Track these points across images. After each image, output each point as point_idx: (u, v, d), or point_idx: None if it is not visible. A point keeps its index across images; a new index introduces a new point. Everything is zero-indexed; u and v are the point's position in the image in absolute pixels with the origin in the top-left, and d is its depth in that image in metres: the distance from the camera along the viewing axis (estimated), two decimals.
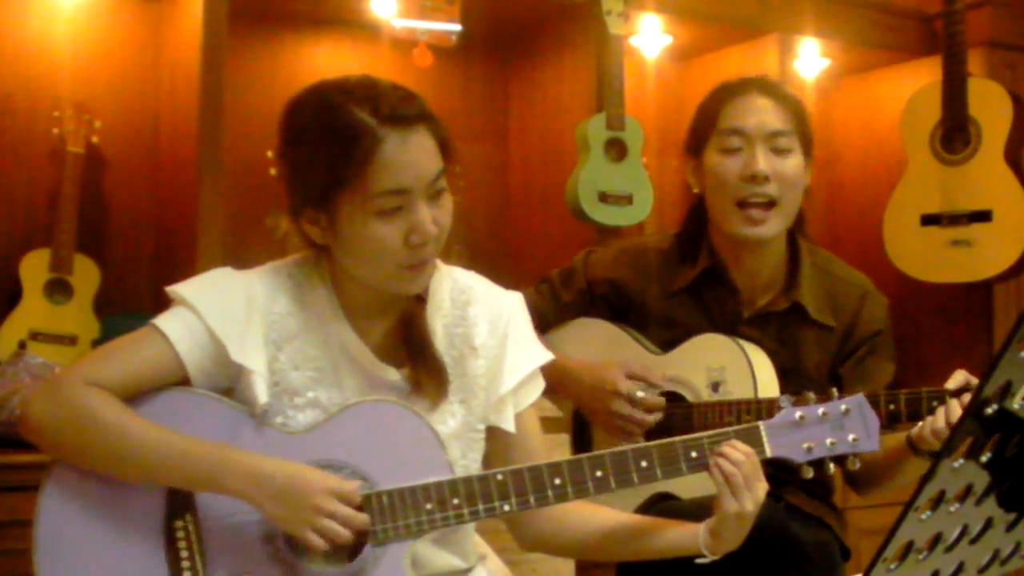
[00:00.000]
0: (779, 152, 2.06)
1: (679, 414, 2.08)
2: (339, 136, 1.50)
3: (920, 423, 1.88)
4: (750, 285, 2.13)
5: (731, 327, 2.11)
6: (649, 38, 3.56)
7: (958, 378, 1.87)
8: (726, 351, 2.05)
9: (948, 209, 3.45)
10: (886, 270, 3.49)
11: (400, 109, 1.52)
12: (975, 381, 1.85)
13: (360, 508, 1.50)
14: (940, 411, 1.83)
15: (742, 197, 2.06)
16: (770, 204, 2.06)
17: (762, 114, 2.07)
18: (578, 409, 2.23)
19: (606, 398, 2.08)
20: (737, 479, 1.56)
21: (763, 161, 2.05)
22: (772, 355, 2.07)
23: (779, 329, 2.11)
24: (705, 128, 2.12)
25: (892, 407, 1.89)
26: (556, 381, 2.12)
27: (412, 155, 1.52)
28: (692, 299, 2.14)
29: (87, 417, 1.48)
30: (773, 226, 2.07)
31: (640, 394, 2.07)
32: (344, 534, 1.47)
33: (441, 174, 1.55)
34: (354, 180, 1.50)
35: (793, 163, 2.07)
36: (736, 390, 2.03)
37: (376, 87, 1.55)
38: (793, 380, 2.04)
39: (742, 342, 2.06)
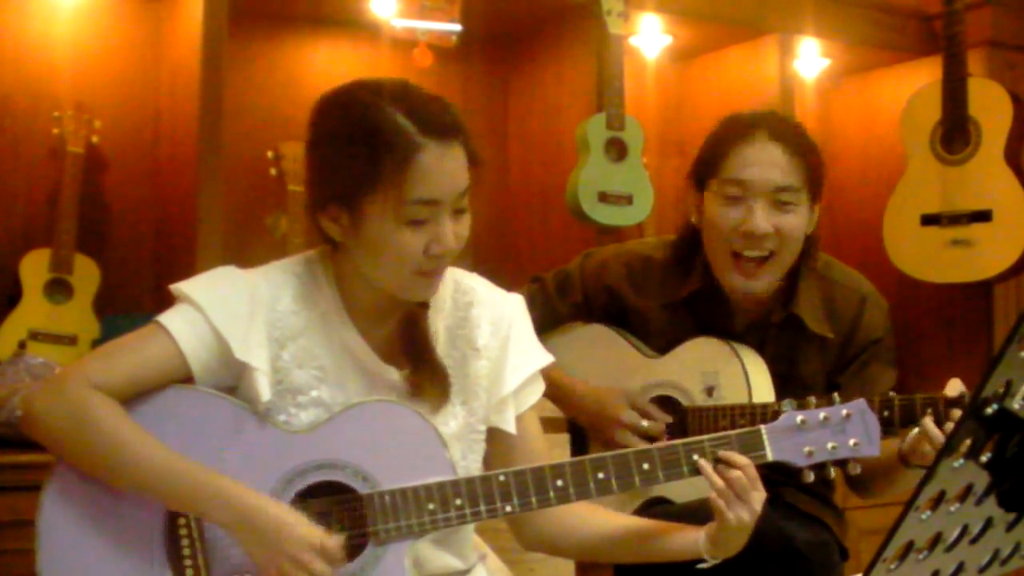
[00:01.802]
0: (782, 207, 1.98)
1: (673, 418, 2.08)
2: (378, 138, 1.50)
3: (909, 436, 1.87)
4: (744, 304, 2.10)
5: (726, 337, 2.09)
6: (649, 38, 3.56)
7: (957, 387, 1.85)
8: (720, 355, 2.05)
9: (948, 209, 3.45)
10: (886, 270, 3.49)
11: (440, 119, 1.52)
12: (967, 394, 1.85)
13: (359, 545, 1.49)
14: (927, 424, 1.80)
15: (737, 249, 2.00)
16: (765, 258, 2.00)
17: (768, 168, 1.97)
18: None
19: (609, 428, 2.08)
20: (734, 489, 1.57)
21: (762, 218, 1.96)
22: (768, 364, 2.06)
23: (776, 340, 2.09)
24: (709, 167, 2.04)
25: (887, 414, 1.87)
26: (555, 397, 2.12)
27: (448, 168, 1.52)
28: (687, 311, 2.13)
29: (87, 423, 1.47)
30: (766, 280, 2.01)
31: (644, 424, 2.06)
32: None
33: (468, 190, 1.56)
34: (388, 185, 1.49)
35: (796, 219, 1.99)
36: (730, 395, 2.02)
37: (416, 93, 1.55)
38: (789, 389, 2.00)
39: (737, 346, 2.05)
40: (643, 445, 2.01)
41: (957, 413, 1.81)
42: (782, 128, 2.01)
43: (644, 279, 2.17)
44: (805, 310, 2.06)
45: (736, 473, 1.57)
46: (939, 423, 1.81)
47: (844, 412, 1.63)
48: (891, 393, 1.93)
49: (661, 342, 2.14)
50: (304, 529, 1.46)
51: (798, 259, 2.06)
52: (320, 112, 1.58)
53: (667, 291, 2.14)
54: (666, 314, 2.14)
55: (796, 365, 2.08)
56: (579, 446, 2.24)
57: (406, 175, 1.49)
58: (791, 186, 1.97)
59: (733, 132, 2.02)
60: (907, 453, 1.89)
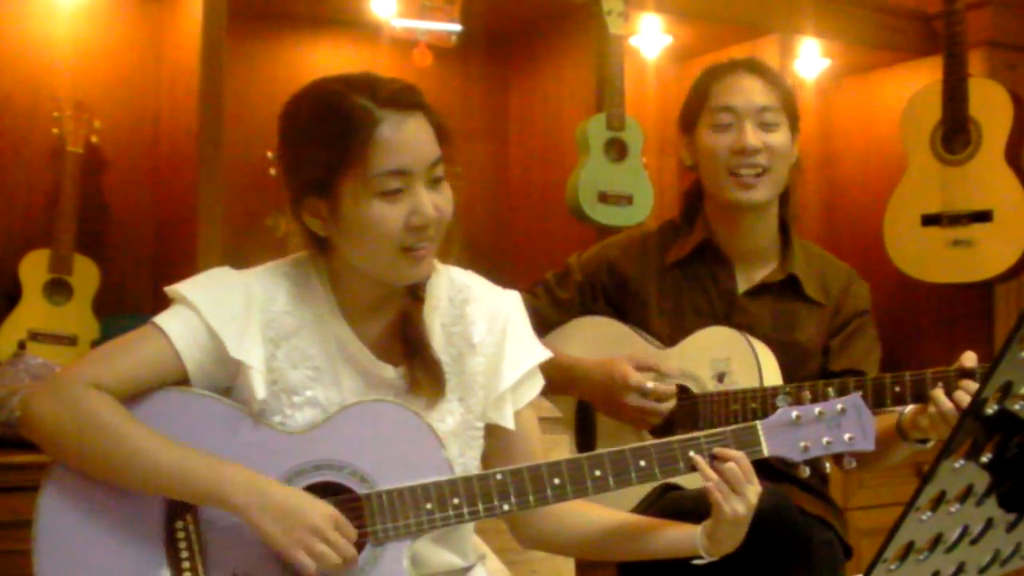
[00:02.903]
0: (766, 126, 2.17)
1: (685, 405, 2.10)
2: (338, 120, 1.52)
3: (909, 409, 1.94)
4: (744, 256, 2.21)
5: (728, 299, 2.18)
6: (649, 38, 3.56)
7: (972, 358, 1.90)
8: (731, 343, 2.09)
9: (948, 209, 3.45)
10: (886, 270, 3.49)
11: (398, 95, 1.54)
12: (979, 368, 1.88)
13: (358, 545, 1.50)
14: (937, 395, 1.85)
15: (733, 169, 2.15)
16: (760, 172, 2.15)
17: (750, 92, 2.18)
18: (588, 405, 2.23)
19: (618, 393, 2.09)
20: (728, 482, 1.57)
21: (752, 135, 2.15)
22: (767, 328, 2.14)
23: (774, 303, 2.18)
24: (697, 106, 2.23)
25: (898, 389, 1.93)
26: (563, 381, 2.14)
27: (410, 136, 1.54)
28: (687, 274, 2.21)
29: (88, 421, 1.47)
30: (764, 191, 2.16)
31: (651, 385, 2.08)
32: (335, 560, 1.46)
33: (439, 161, 1.57)
34: (355, 162, 1.51)
35: (780, 136, 2.18)
36: (741, 379, 2.06)
37: (374, 77, 1.58)
38: (789, 352, 2.11)
39: (747, 334, 2.10)
40: (652, 405, 2.06)
41: (966, 383, 1.86)
42: (756, 64, 2.26)
43: (643, 249, 2.27)
44: (801, 272, 2.19)
45: (730, 465, 1.58)
46: (949, 396, 1.86)
47: (839, 407, 1.63)
48: (885, 376, 1.97)
49: (663, 316, 2.19)
50: (317, 503, 1.48)
51: (786, 223, 2.22)
52: (285, 111, 1.60)
53: (670, 253, 2.23)
54: (668, 281, 2.22)
55: (794, 330, 2.16)
56: (584, 441, 2.24)
57: (369, 149, 1.51)
58: (772, 106, 2.19)
59: (716, 70, 2.25)
60: (906, 427, 1.95)
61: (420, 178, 1.54)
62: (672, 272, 2.22)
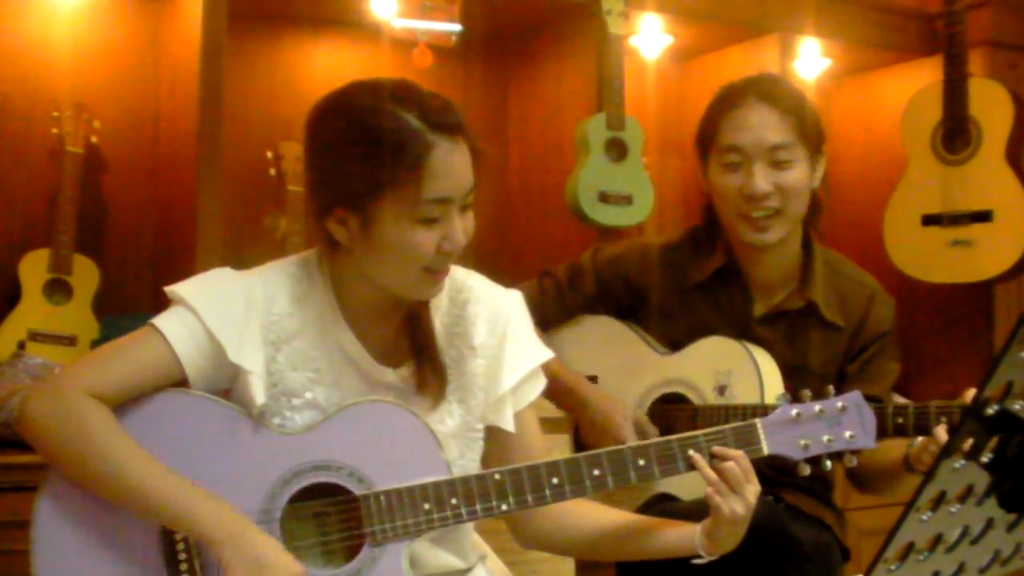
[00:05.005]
0: (779, 165, 2.04)
1: (684, 416, 2.08)
2: (388, 140, 1.50)
3: (917, 441, 1.89)
4: (764, 283, 2.14)
5: (743, 324, 2.12)
6: (649, 38, 3.56)
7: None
8: (734, 355, 2.05)
9: (949, 209, 3.45)
10: (886, 270, 3.48)
11: (446, 117, 1.53)
12: None
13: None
14: (939, 433, 1.81)
15: (744, 212, 2.06)
16: (773, 214, 2.06)
17: (759, 129, 2.04)
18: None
19: (609, 444, 2.07)
20: (727, 481, 1.57)
21: (761, 179, 2.03)
22: (780, 352, 2.08)
23: (789, 327, 2.12)
24: (707, 139, 2.13)
25: (900, 420, 1.88)
26: (558, 397, 2.12)
27: (457, 166, 1.53)
28: (705, 295, 2.15)
29: (78, 432, 1.47)
30: (777, 232, 2.06)
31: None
32: None
33: (473, 188, 1.57)
34: (401, 187, 1.49)
35: (794, 175, 2.05)
36: (742, 394, 2.02)
37: (418, 92, 1.55)
38: (799, 377, 2.04)
39: (750, 346, 2.06)
40: None
41: None
42: (770, 88, 2.10)
43: (662, 267, 2.19)
44: (820, 298, 2.10)
45: (729, 464, 1.57)
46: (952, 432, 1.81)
47: (839, 405, 1.63)
48: (899, 398, 1.93)
49: (675, 329, 2.15)
50: (286, 561, 1.44)
51: (810, 241, 2.13)
52: (321, 117, 1.57)
53: (689, 274, 2.16)
54: (682, 298, 2.16)
55: (807, 355, 2.10)
56: (582, 443, 2.24)
57: (421, 174, 1.49)
58: (785, 143, 2.04)
59: (724, 100, 2.11)
60: (913, 459, 1.90)
61: (456, 205, 1.55)
62: (691, 292, 2.15)
